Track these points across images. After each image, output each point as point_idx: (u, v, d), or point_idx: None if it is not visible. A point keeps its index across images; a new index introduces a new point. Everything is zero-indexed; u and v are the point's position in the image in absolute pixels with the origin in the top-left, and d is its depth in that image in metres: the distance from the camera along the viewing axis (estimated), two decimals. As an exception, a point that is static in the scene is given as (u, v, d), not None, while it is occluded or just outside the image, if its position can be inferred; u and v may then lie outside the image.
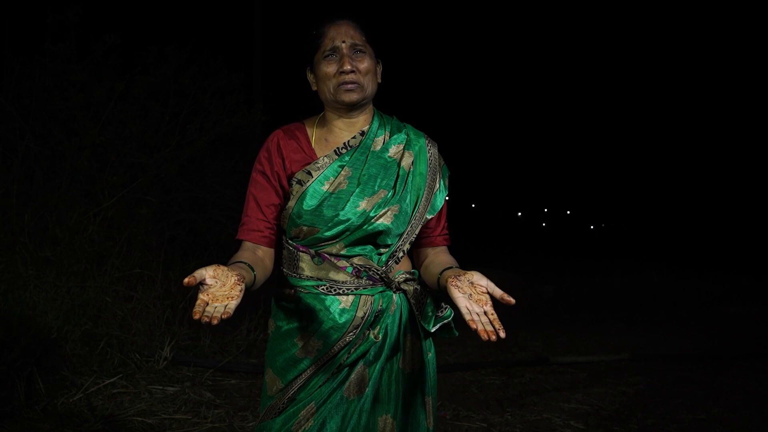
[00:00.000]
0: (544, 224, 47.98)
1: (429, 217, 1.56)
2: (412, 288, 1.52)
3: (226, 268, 1.24)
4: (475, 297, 1.31)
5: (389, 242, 1.51)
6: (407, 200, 1.52)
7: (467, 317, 1.27)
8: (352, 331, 1.47)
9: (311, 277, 1.49)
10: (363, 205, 1.47)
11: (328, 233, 1.47)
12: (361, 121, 1.57)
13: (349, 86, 1.49)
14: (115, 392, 3.44)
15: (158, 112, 4.99)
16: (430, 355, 1.56)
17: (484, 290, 1.32)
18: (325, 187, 1.48)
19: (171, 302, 4.50)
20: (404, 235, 1.53)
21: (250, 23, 8.66)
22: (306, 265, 1.49)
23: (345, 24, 1.52)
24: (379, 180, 1.51)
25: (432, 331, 1.47)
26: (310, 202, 1.47)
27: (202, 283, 1.18)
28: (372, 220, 1.47)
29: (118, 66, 4.78)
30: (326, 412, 1.45)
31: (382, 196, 1.50)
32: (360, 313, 1.47)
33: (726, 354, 5.22)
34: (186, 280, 1.15)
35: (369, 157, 1.53)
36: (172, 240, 5.09)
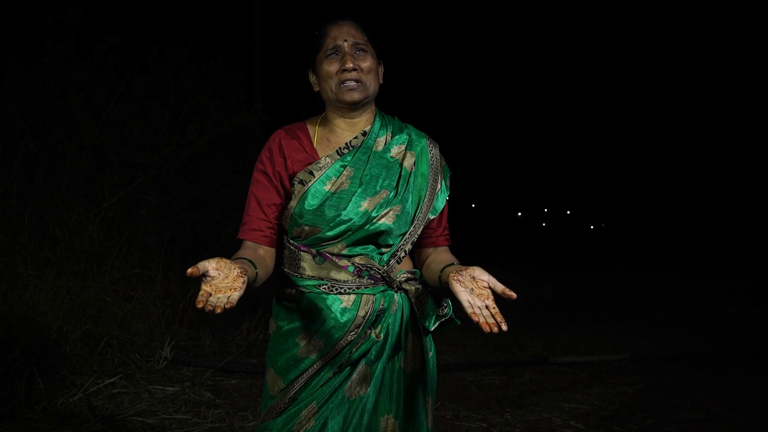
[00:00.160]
0: (544, 224, 47.99)
1: (431, 217, 1.57)
2: (413, 287, 1.52)
3: (228, 261, 1.25)
4: (476, 291, 1.32)
5: (391, 242, 1.51)
6: (409, 201, 1.53)
7: (469, 310, 1.28)
8: (353, 331, 1.47)
9: (313, 276, 1.49)
10: (365, 205, 1.47)
11: (330, 233, 1.47)
12: (363, 121, 1.57)
13: (352, 84, 1.49)
14: (115, 392, 3.44)
15: (158, 112, 4.99)
16: (431, 355, 1.56)
17: (486, 285, 1.33)
18: (327, 187, 1.48)
19: (171, 302, 4.50)
20: (406, 236, 1.53)
21: (250, 23, 8.66)
22: (307, 265, 1.49)
23: (347, 24, 1.53)
24: (380, 180, 1.51)
25: (431, 329, 1.47)
26: (311, 202, 1.47)
27: (204, 274, 1.19)
28: (374, 221, 1.47)
29: (118, 66, 4.78)
30: (328, 412, 1.45)
31: (384, 196, 1.50)
32: (361, 313, 1.47)
33: (726, 354, 5.22)
34: (189, 270, 1.16)
35: (371, 158, 1.53)
36: (172, 240, 5.09)
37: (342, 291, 1.48)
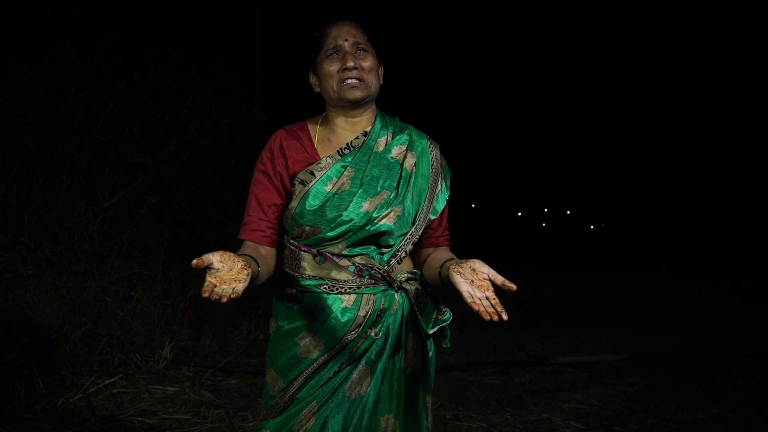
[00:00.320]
0: (544, 224, 47.99)
1: (431, 218, 1.57)
2: (413, 287, 1.52)
3: (232, 254, 1.27)
4: (476, 283, 1.33)
5: (391, 243, 1.51)
6: (409, 201, 1.53)
7: (468, 300, 1.29)
8: (354, 330, 1.47)
9: (313, 276, 1.49)
10: (366, 205, 1.48)
11: (331, 233, 1.47)
12: (364, 122, 1.57)
13: (354, 83, 1.49)
14: (115, 392, 3.44)
15: (158, 112, 4.99)
16: (431, 354, 1.56)
17: (486, 277, 1.34)
18: (328, 188, 1.48)
19: (171, 302, 4.50)
20: (407, 236, 1.53)
21: (250, 23, 8.66)
22: (308, 265, 1.50)
23: (347, 24, 1.54)
24: (381, 181, 1.51)
25: (430, 333, 1.47)
26: (312, 203, 1.47)
27: (209, 267, 1.21)
28: (375, 221, 1.47)
29: (118, 66, 4.78)
30: (328, 412, 1.45)
31: (385, 197, 1.50)
32: (362, 312, 1.47)
33: (726, 354, 5.22)
34: (194, 261, 1.17)
35: (371, 158, 1.53)
36: (172, 240, 5.09)
37: (342, 291, 1.48)
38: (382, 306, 1.49)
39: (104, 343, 3.88)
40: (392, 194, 1.51)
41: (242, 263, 1.25)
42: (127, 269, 4.42)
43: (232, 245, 1.32)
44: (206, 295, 1.14)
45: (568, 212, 53.36)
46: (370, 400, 1.48)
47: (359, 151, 1.53)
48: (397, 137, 1.58)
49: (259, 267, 1.38)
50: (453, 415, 3.48)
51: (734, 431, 3.35)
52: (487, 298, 1.30)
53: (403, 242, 1.53)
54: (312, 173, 1.50)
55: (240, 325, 4.78)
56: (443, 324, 1.48)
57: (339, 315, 1.47)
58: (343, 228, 1.47)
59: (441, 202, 1.59)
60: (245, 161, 5.59)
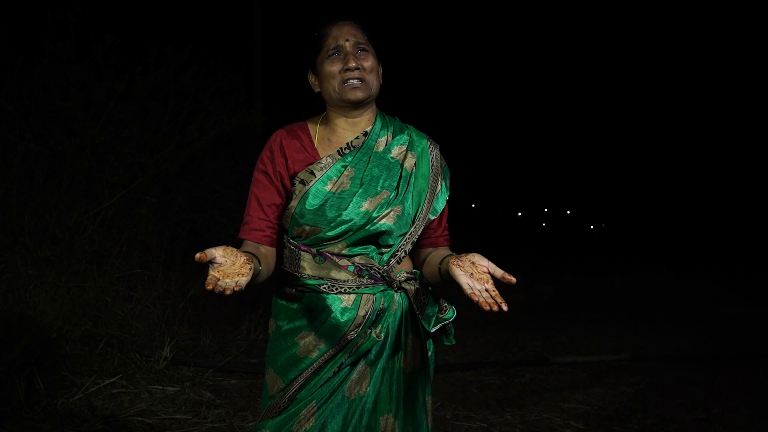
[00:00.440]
0: (544, 224, 47.99)
1: (431, 218, 1.57)
2: (413, 287, 1.52)
3: (235, 249, 1.27)
4: (476, 276, 1.33)
5: (391, 242, 1.51)
6: (409, 201, 1.53)
7: (468, 291, 1.30)
8: (353, 330, 1.47)
9: (313, 276, 1.49)
10: (366, 205, 1.48)
11: (331, 233, 1.47)
12: (365, 121, 1.57)
13: (355, 83, 1.50)
14: (115, 392, 3.44)
15: (158, 112, 4.99)
16: (430, 354, 1.56)
17: (485, 270, 1.35)
18: (328, 187, 1.49)
19: (171, 302, 4.50)
20: (407, 236, 1.54)
21: (250, 23, 8.65)
22: (307, 264, 1.50)
23: (347, 24, 1.54)
24: (381, 181, 1.51)
25: (432, 331, 1.47)
26: (312, 202, 1.47)
27: (212, 261, 1.21)
28: (374, 221, 1.47)
29: (118, 66, 4.78)
30: (327, 412, 1.45)
31: (385, 196, 1.50)
32: (362, 312, 1.47)
33: (726, 354, 5.22)
34: (198, 255, 1.18)
35: (372, 158, 1.53)
36: (172, 240, 5.09)
37: (342, 290, 1.48)
38: (381, 306, 1.49)
39: (104, 343, 3.88)
40: (392, 194, 1.51)
41: (245, 258, 1.26)
42: (127, 269, 4.42)
43: (232, 245, 1.32)
44: (210, 287, 1.15)
45: (568, 212, 53.39)
46: (369, 400, 1.48)
47: (359, 150, 1.53)
48: (398, 137, 1.58)
49: (260, 265, 1.38)
50: (453, 415, 3.48)
51: (734, 431, 3.35)
52: (486, 290, 1.30)
53: (402, 242, 1.53)
54: (312, 173, 1.50)
55: (240, 325, 4.78)
56: (446, 322, 1.48)
57: (338, 315, 1.47)
58: (343, 228, 1.47)
59: (441, 203, 1.59)
60: (245, 161, 5.59)
